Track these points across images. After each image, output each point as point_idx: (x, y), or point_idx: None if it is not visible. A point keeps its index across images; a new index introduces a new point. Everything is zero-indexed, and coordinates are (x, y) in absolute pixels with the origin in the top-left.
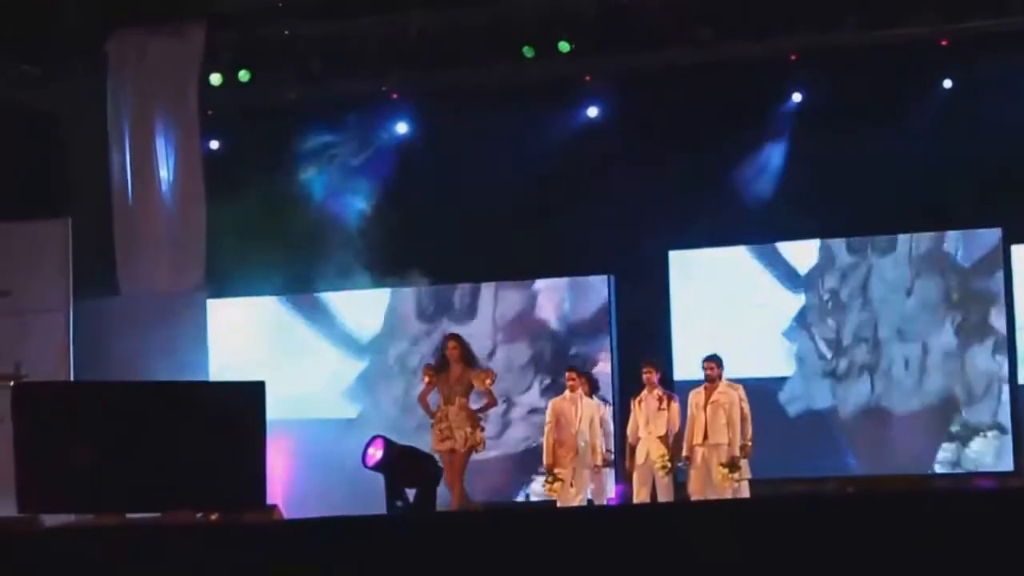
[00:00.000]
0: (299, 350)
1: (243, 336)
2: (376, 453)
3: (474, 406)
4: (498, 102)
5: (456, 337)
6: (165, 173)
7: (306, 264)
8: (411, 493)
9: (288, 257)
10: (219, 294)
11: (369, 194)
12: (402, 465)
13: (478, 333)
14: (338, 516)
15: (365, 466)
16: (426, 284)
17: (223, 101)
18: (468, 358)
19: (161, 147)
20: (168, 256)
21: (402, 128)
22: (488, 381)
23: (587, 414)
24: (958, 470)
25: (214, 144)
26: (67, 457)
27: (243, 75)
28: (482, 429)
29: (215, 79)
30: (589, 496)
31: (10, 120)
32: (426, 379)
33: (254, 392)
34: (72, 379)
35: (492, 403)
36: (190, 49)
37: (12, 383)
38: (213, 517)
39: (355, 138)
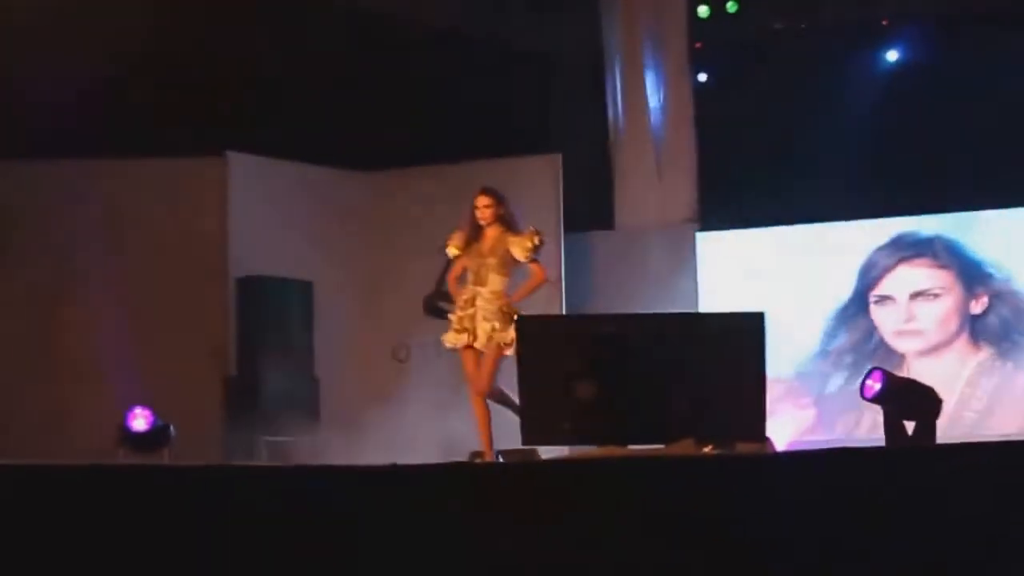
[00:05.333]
0: (783, 283)
1: (730, 270)
2: (875, 385)
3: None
4: (998, 25)
5: (490, 191)
6: (655, 108)
7: (796, 195)
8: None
9: (777, 189)
10: (709, 227)
11: (861, 125)
12: (901, 397)
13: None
14: (833, 448)
15: (863, 398)
16: (919, 215)
17: (711, 33)
18: (506, 220)
19: (651, 81)
20: (659, 190)
21: (893, 55)
22: (530, 244)
23: None
24: None
25: (703, 77)
26: (569, 390)
27: (731, 6)
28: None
29: (703, 11)
30: None
31: (505, 58)
32: (454, 251)
33: (754, 323)
34: (564, 312)
35: (540, 278)
36: None
37: (514, 316)
38: (707, 448)
39: (845, 67)
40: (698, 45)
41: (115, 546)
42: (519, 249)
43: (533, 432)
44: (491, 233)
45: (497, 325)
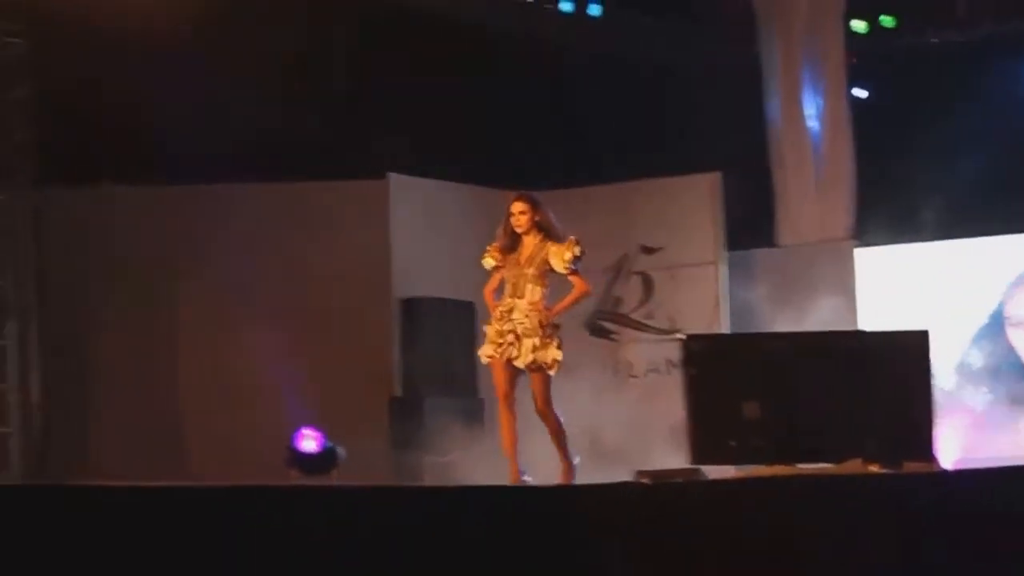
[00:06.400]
0: (942, 299)
1: (888, 285)
2: None
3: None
4: None
5: (525, 197)
6: (813, 122)
7: (953, 209)
8: None
9: (934, 203)
10: (868, 242)
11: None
12: None
13: None
14: (1012, 466)
15: None
16: None
17: (868, 48)
18: (545, 227)
19: (808, 96)
20: (818, 206)
21: None
22: (569, 255)
23: None
24: None
25: (861, 92)
26: (736, 409)
27: (887, 20)
28: (558, 345)
29: (860, 26)
30: None
31: (662, 78)
32: (492, 262)
33: (919, 341)
34: (726, 331)
35: (581, 291)
36: None
37: (682, 336)
38: (875, 467)
39: (1004, 82)
40: (855, 60)
41: (288, 564)
42: (558, 260)
43: (701, 451)
44: (529, 241)
45: (538, 342)
